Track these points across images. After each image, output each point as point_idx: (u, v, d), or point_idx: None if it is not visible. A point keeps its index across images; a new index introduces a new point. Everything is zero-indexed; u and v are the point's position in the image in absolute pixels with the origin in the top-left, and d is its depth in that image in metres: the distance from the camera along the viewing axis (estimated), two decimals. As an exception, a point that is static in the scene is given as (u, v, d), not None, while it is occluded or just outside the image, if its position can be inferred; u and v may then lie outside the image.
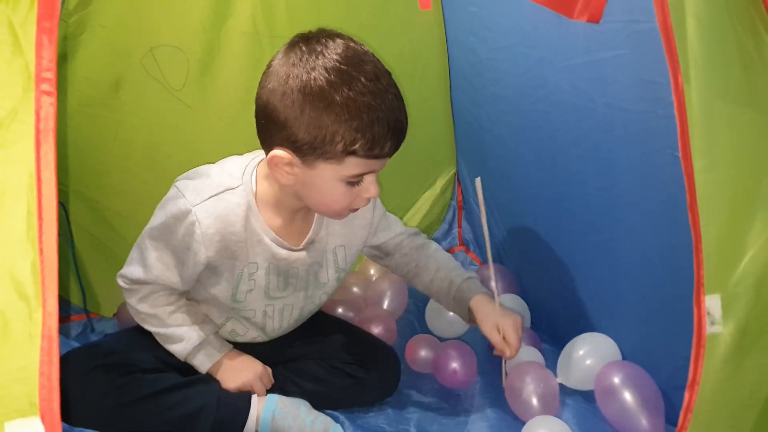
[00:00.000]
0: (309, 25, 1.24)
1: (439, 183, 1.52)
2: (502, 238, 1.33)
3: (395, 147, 0.80)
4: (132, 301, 0.91)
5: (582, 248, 1.05)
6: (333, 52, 0.76)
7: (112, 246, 1.22)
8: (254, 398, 0.92)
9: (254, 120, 1.23)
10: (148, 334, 0.93)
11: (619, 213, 0.93)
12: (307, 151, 0.77)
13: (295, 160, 0.79)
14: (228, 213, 0.84)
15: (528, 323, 1.19)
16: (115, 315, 1.20)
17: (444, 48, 1.39)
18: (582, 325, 1.09)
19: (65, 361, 0.86)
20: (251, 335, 0.99)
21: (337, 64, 0.75)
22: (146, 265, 0.87)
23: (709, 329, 0.60)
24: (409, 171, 1.43)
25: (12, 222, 0.49)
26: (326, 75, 0.74)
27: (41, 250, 0.48)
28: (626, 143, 0.87)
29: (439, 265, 1.02)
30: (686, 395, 0.61)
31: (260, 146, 1.25)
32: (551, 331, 1.18)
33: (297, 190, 0.83)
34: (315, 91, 0.74)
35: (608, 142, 0.90)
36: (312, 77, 0.74)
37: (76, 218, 1.18)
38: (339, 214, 0.87)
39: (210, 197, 0.84)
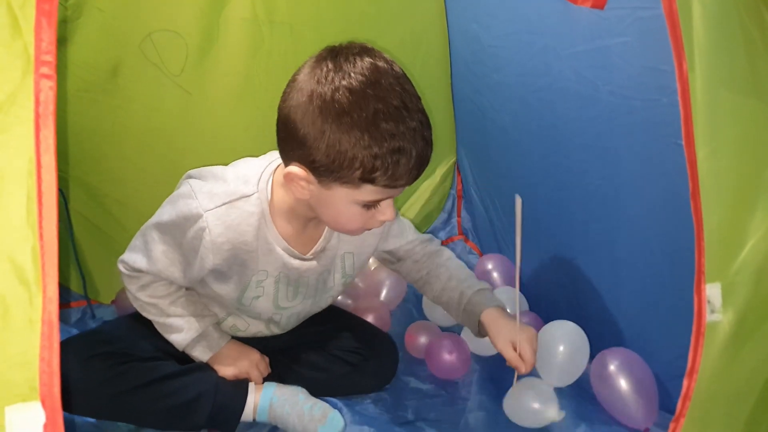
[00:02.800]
0: (309, 12, 1.24)
1: (439, 172, 1.52)
2: (501, 228, 1.32)
3: (416, 176, 0.76)
4: (131, 287, 0.90)
5: (582, 237, 1.05)
6: (359, 71, 0.71)
7: (111, 233, 1.22)
8: (252, 386, 0.92)
9: (255, 109, 1.24)
10: (147, 323, 0.93)
11: (621, 202, 0.93)
12: (324, 172, 0.74)
13: (311, 178, 0.76)
14: (240, 222, 0.82)
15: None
16: (113, 302, 1.20)
17: (446, 36, 1.38)
18: (580, 314, 1.10)
19: (63, 348, 0.86)
20: (252, 331, 0.98)
21: (362, 85, 0.70)
22: (150, 257, 0.86)
23: (708, 318, 0.60)
24: (409, 160, 1.43)
25: (12, 207, 0.48)
26: (349, 96, 0.70)
27: (41, 236, 0.48)
28: (629, 132, 0.87)
29: (451, 275, 0.99)
30: (685, 383, 0.61)
31: (259, 134, 1.25)
32: (549, 320, 1.19)
33: (312, 204, 0.81)
34: (336, 113, 0.70)
35: (611, 131, 0.90)
36: (335, 98, 0.70)
37: (75, 205, 1.18)
38: (352, 232, 0.85)
39: (223, 204, 0.81)
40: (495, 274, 1.27)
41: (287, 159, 0.78)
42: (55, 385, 0.46)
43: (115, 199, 1.21)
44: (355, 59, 0.72)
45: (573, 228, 1.07)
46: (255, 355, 0.95)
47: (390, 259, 1.04)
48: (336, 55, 0.73)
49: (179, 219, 0.83)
